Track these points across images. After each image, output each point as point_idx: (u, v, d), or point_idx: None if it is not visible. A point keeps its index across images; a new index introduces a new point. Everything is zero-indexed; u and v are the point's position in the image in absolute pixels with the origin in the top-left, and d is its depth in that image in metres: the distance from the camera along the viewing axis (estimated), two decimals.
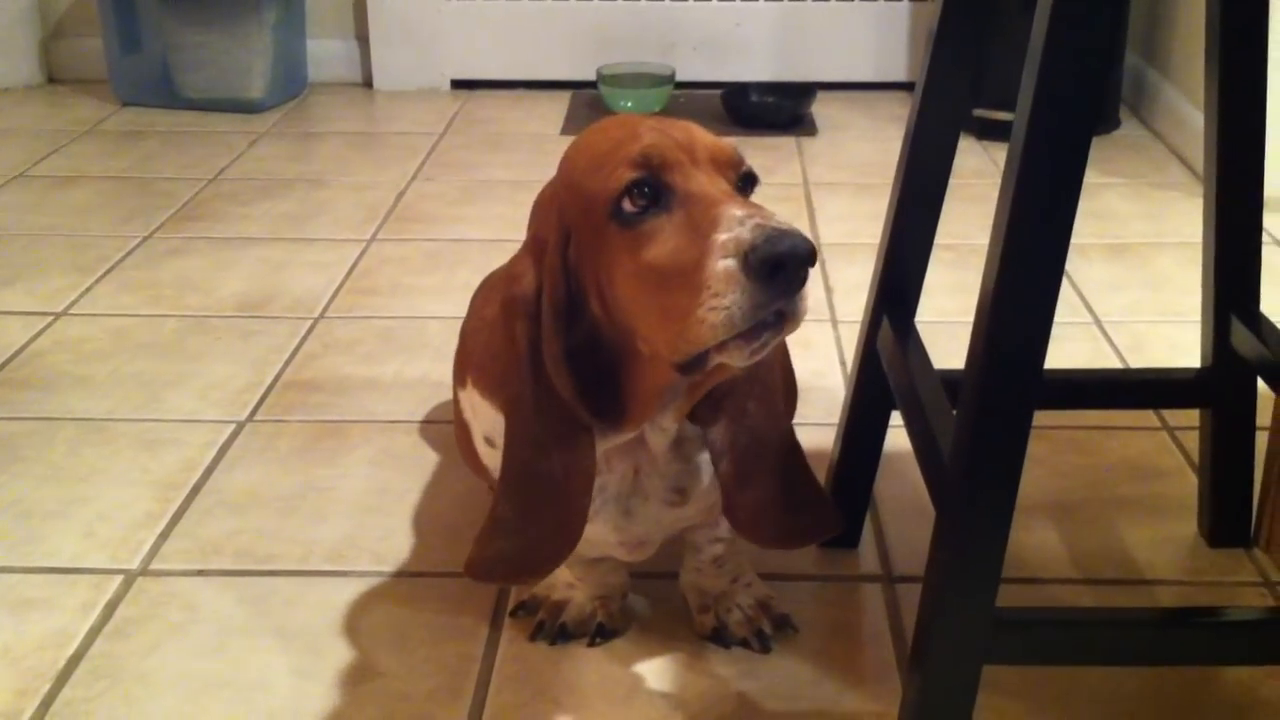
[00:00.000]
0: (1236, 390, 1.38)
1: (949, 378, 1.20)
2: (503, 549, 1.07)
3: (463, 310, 1.35)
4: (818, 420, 1.67)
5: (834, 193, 2.60)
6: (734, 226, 0.92)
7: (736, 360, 0.96)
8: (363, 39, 3.36)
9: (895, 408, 1.33)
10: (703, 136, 1.01)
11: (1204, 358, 1.38)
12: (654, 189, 0.97)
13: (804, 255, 0.90)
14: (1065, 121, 0.91)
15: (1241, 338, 1.32)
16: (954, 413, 1.10)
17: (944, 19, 1.22)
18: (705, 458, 1.14)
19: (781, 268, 0.90)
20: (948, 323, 1.92)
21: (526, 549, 1.07)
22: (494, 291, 1.22)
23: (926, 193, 1.29)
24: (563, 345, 1.02)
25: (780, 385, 1.15)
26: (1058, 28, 0.89)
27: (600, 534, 1.17)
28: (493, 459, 1.17)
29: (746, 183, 1.02)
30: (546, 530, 1.06)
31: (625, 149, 0.98)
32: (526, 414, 1.04)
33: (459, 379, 1.25)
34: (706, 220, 0.94)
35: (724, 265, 0.91)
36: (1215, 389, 1.38)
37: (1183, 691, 1.24)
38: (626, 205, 0.97)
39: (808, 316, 0.96)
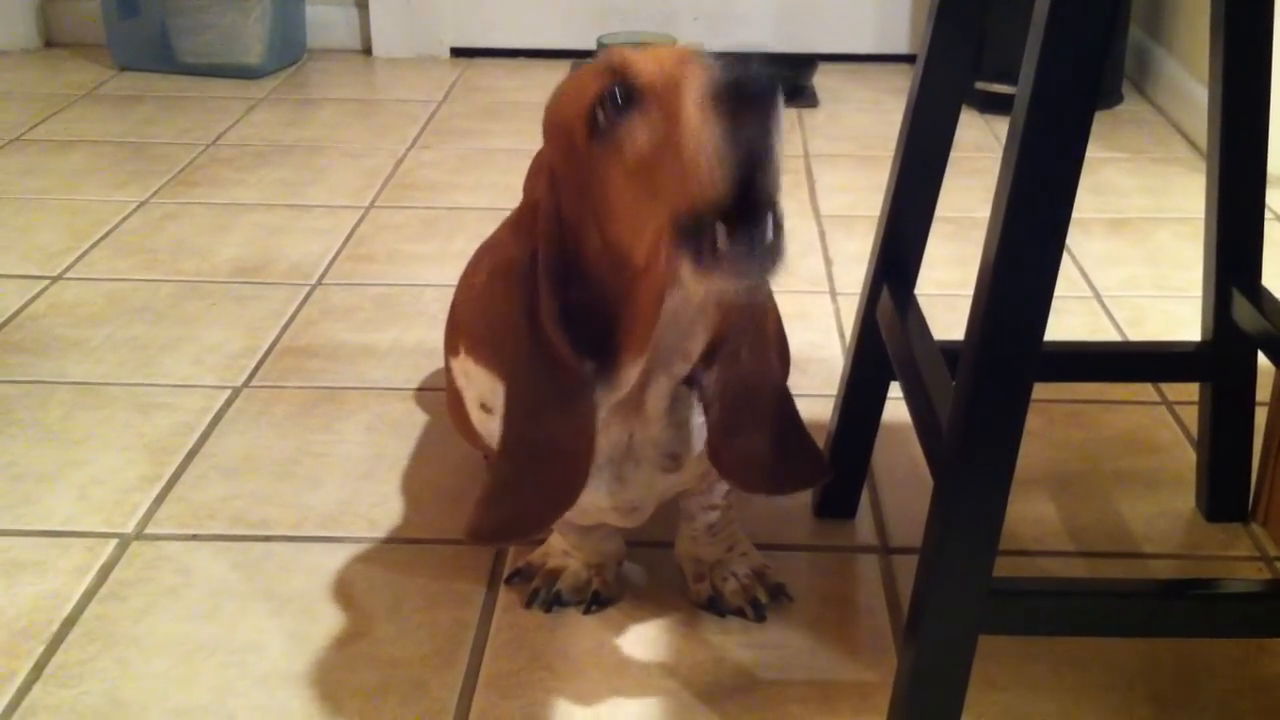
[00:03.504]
0: (1237, 364, 1.37)
1: (948, 349, 1.19)
2: (503, 512, 1.07)
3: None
4: (816, 391, 1.66)
5: (834, 165, 2.59)
6: (698, 77, 0.90)
7: (742, 273, 0.92)
8: (362, 5, 3.34)
9: (894, 379, 1.33)
10: (673, 48, 1.01)
11: (1204, 332, 1.38)
12: (624, 93, 0.96)
13: (766, 79, 0.89)
14: (1068, 95, 0.90)
15: (1243, 312, 1.31)
16: (953, 384, 1.09)
17: None
18: (698, 422, 1.13)
19: (747, 91, 0.88)
20: (947, 295, 1.91)
21: (526, 509, 1.07)
22: (484, 259, 1.21)
23: (927, 165, 1.28)
24: (558, 304, 1.01)
25: (774, 337, 1.14)
26: (1061, 0, 0.88)
27: (594, 500, 1.17)
28: (487, 425, 1.16)
29: None
30: (547, 491, 1.06)
31: (591, 70, 0.99)
32: (525, 378, 1.04)
33: (451, 348, 1.24)
34: (676, 93, 0.92)
35: (695, 110, 0.90)
36: (1215, 363, 1.38)
37: (1176, 667, 1.24)
38: (601, 118, 0.96)
39: (806, 287, 0.95)
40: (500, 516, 1.07)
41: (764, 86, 0.89)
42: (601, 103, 0.96)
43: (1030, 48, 0.90)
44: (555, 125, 1.02)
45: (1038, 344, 0.94)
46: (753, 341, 1.10)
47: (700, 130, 0.90)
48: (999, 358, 0.95)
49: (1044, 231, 0.92)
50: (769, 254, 0.92)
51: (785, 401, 1.14)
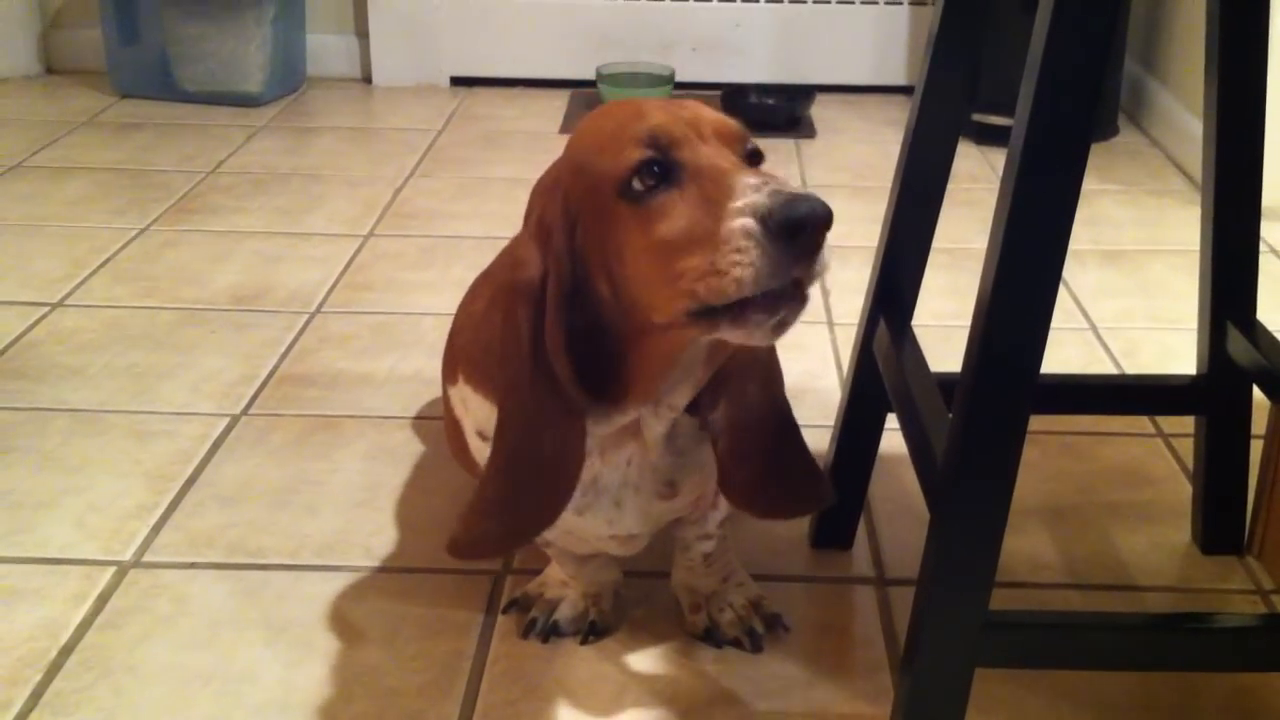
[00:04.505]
0: (1232, 398, 1.38)
1: (944, 380, 1.20)
2: (488, 528, 1.08)
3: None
4: (812, 422, 1.65)
5: (831, 195, 2.59)
6: (749, 193, 0.92)
7: (757, 339, 0.95)
8: (362, 34, 3.35)
9: (890, 410, 1.34)
10: (709, 113, 1.02)
11: (1200, 365, 1.38)
12: (663, 167, 0.97)
13: (823, 218, 0.90)
14: (1064, 127, 0.91)
15: (1238, 345, 1.32)
16: (949, 416, 1.10)
17: (944, 22, 1.22)
18: (700, 450, 1.15)
19: (801, 230, 0.90)
20: (943, 326, 1.92)
21: (511, 526, 1.08)
22: (483, 288, 1.22)
23: (924, 195, 1.29)
24: (566, 331, 1.02)
25: (780, 371, 1.15)
26: (1057, 33, 0.89)
27: (592, 528, 1.17)
28: (485, 454, 1.16)
29: (754, 158, 1.02)
30: (533, 508, 1.07)
31: (632, 128, 0.98)
32: (523, 397, 1.04)
33: (449, 376, 1.25)
34: (721, 190, 0.93)
35: (743, 224, 0.91)
36: (1211, 396, 1.38)
37: (1171, 699, 1.24)
38: (636, 184, 0.97)
39: (803, 318, 0.96)
40: (486, 532, 1.08)
41: (816, 221, 0.90)
42: (639, 172, 0.97)
43: (1026, 80, 0.91)
44: (582, 167, 1.02)
45: (1034, 376, 0.95)
46: (760, 375, 1.11)
47: (746, 244, 0.90)
48: (995, 390, 0.95)
49: (1040, 264, 0.93)
50: (783, 325, 0.95)
51: (790, 428, 1.15)
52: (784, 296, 0.93)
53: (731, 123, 1.02)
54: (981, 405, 0.96)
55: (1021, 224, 0.92)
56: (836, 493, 1.41)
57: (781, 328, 0.95)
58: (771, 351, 1.14)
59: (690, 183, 0.96)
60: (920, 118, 1.26)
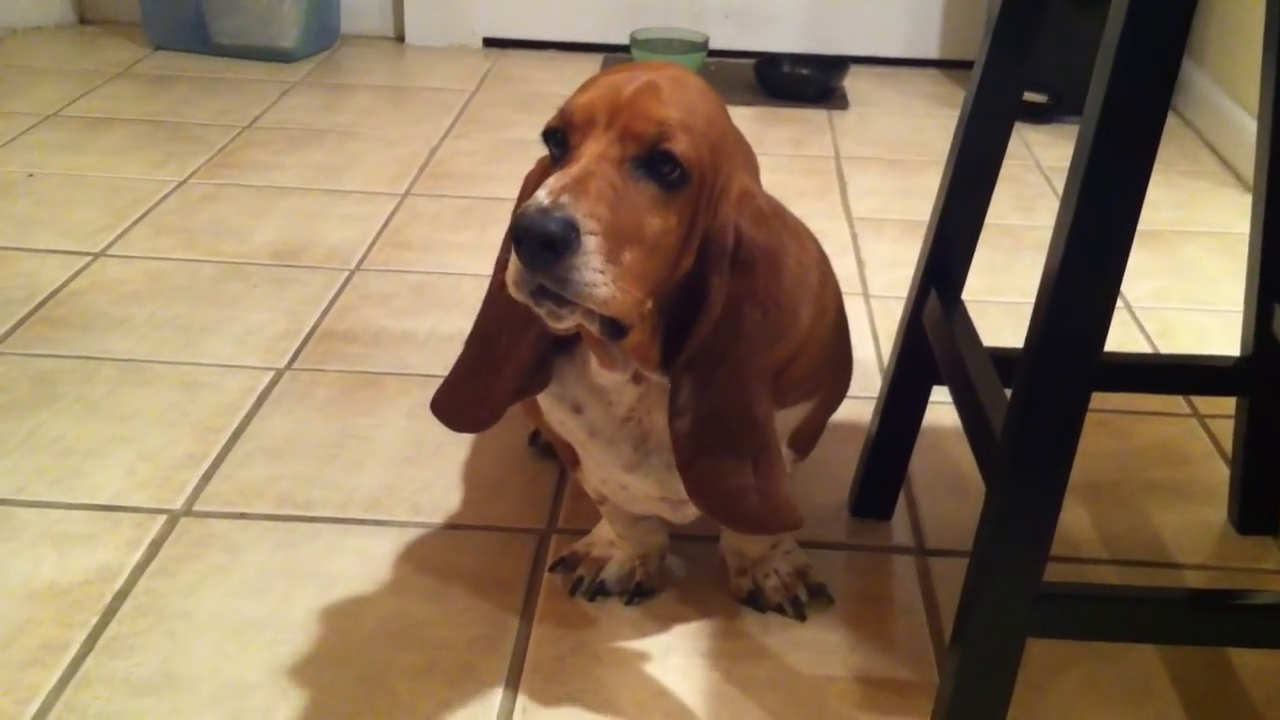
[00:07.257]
0: (1275, 380, 1.39)
1: (994, 355, 1.22)
2: (449, 396, 1.17)
3: None
4: (851, 393, 1.67)
5: (865, 167, 2.60)
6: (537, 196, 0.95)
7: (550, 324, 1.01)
8: None
9: (936, 382, 1.35)
10: (644, 103, 1.00)
11: (1244, 346, 1.40)
12: (560, 142, 1.02)
13: (534, 234, 0.92)
14: (1138, 111, 0.91)
15: None
16: (1004, 390, 1.11)
17: (1006, 1, 1.23)
18: None
19: (518, 242, 0.93)
20: (977, 301, 1.93)
21: (460, 403, 1.16)
22: None
23: (979, 173, 1.30)
24: None
25: (764, 373, 1.08)
26: (1134, 20, 0.90)
27: (644, 488, 1.19)
28: (545, 401, 1.18)
29: (656, 159, 0.99)
30: (478, 394, 1.14)
31: (574, 95, 1.03)
32: (493, 287, 1.13)
33: None
34: (573, 166, 0.98)
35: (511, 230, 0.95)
36: (1254, 378, 1.40)
37: (1207, 675, 1.26)
38: (547, 143, 1.03)
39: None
40: (446, 398, 1.17)
41: (523, 235, 0.92)
42: (547, 136, 1.02)
43: (1101, 62, 0.92)
44: None
45: (1098, 353, 0.96)
46: (731, 368, 1.06)
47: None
48: (1059, 365, 0.97)
49: (1110, 242, 0.94)
50: (554, 317, 0.99)
51: (763, 443, 1.08)
52: (543, 295, 0.95)
53: (654, 119, 0.99)
54: (1044, 382, 0.97)
55: (1092, 201, 0.93)
56: (874, 468, 1.43)
57: (555, 321, 0.99)
58: (752, 353, 1.06)
59: (566, 159, 1.00)
60: (978, 96, 1.27)
